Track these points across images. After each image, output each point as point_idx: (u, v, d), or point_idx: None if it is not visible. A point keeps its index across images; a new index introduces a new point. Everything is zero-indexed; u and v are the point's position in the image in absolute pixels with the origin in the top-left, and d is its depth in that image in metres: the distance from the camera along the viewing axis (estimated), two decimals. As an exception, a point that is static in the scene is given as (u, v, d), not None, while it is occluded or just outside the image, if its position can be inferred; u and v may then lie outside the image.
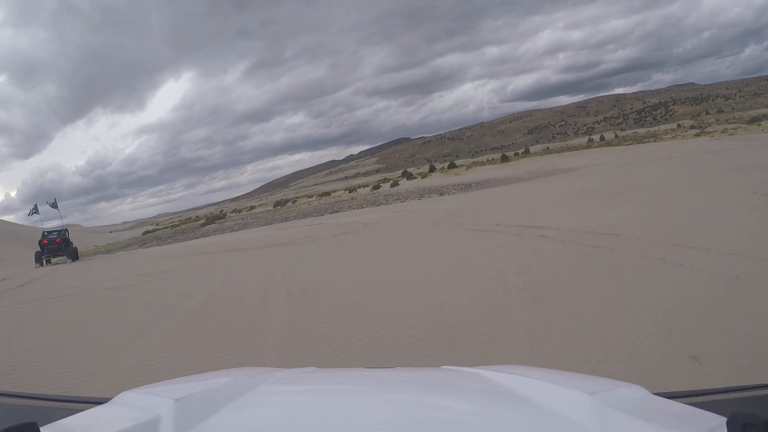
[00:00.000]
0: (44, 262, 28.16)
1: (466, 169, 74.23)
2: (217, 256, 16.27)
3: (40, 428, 0.85)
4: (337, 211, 39.12)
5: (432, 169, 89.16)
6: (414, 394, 1.31)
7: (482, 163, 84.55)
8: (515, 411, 1.06)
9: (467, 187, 44.80)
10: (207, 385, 1.28)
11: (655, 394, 1.11)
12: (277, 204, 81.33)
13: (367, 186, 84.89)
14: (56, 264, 26.94)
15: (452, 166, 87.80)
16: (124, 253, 32.12)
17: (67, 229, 31.08)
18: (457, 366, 1.59)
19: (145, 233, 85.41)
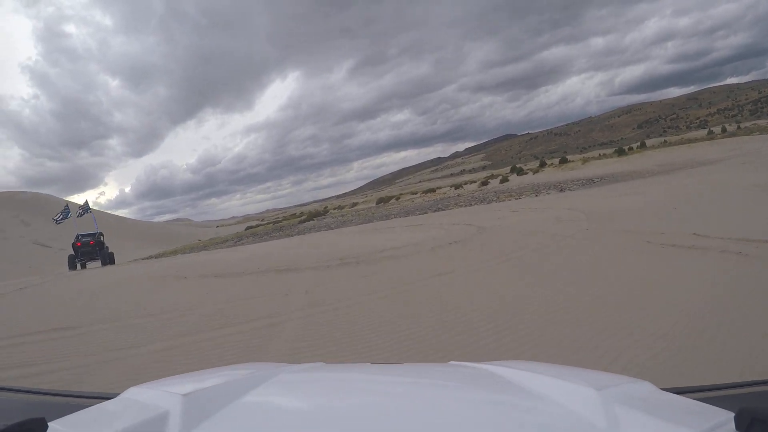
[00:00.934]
0: (78, 266, 27.17)
1: (582, 164, 68.24)
2: (253, 283, 10.42)
3: (49, 423, 0.86)
4: (442, 209, 35.11)
5: (543, 164, 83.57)
6: (422, 389, 1.32)
7: (596, 158, 77.21)
8: (523, 406, 1.06)
9: (589, 182, 39.32)
10: (215, 381, 1.26)
11: (662, 389, 1.12)
12: (380, 201, 78.90)
13: (474, 182, 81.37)
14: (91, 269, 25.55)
15: (564, 161, 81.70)
16: (184, 256, 29.96)
17: (101, 233, 29.96)
18: (465, 361, 1.60)
19: (247, 229, 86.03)
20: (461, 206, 34.86)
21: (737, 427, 0.79)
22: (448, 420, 0.97)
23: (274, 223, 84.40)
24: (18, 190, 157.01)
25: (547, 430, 0.92)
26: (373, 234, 19.73)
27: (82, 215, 34.24)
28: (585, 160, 72.95)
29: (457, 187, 76.26)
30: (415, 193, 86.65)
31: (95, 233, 28.81)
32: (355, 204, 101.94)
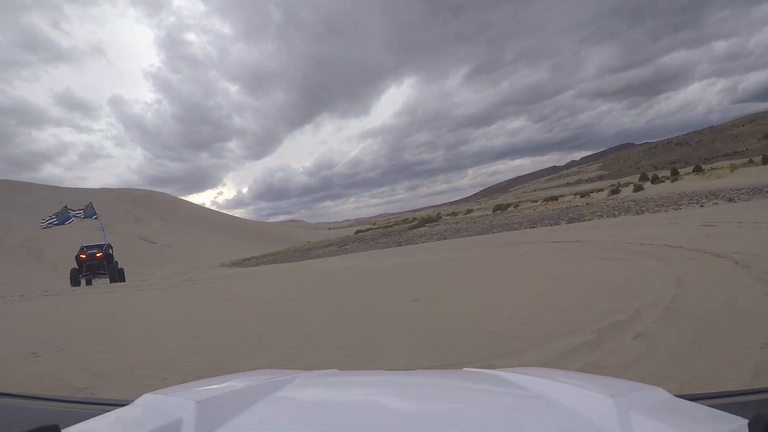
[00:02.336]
0: (83, 282, 23.51)
1: (730, 171, 61.04)
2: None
3: (62, 430, 0.88)
4: (576, 220, 29.04)
5: (675, 172, 79.89)
6: (437, 396, 1.30)
7: (745, 165, 67.99)
8: (538, 413, 1.06)
9: (757, 191, 31.96)
10: (229, 388, 1.27)
11: (676, 396, 1.12)
12: (497, 208, 73.45)
13: (600, 190, 76.47)
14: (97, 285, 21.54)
15: (698, 169, 78.38)
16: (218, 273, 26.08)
17: (111, 245, 26.47)
18: (479, 369, 1.61)
19: (356, 232, 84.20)
20: (602, 217, 28.63)
21: None
22: (463, 427, 0.97)
23: (385, 227, 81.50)
24: (134, 187, 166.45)
25: None
26: (514, 248, 14.13)
27: (83, 217, 28.89)
28: (733, 168, 65.45)
29: (583, 195, 72.00)
30: (536, 201, 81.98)
31: (103, 245, 25.60)
32: (469, 211, 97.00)
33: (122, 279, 24.90)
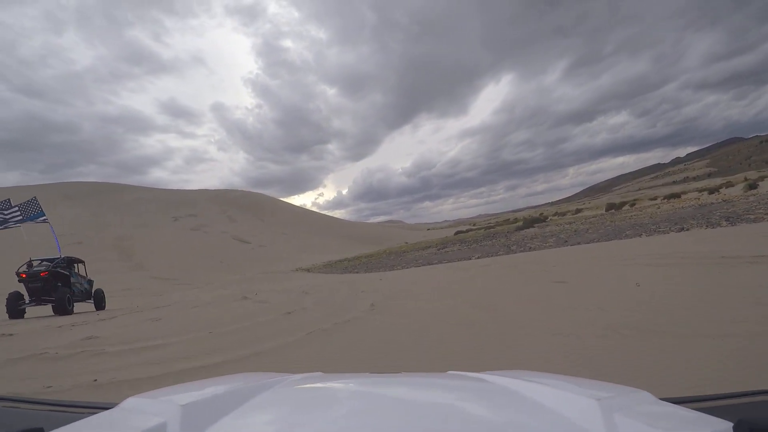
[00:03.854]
0: (22, 311, 15.99)
1: None
2: None
3: None
4: (732, 220, 22.56)
5: None
6: (421, 399, 1.29)
7: None
8: (522, 416, 1.05)
9: None
10: (213, 391, 1.26)
11: (661, 399, 1.12)
12: (610, 207, 65.96)
13: (730, 185, 72.05)
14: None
15: None
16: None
17: (68, 260, 18.59)
18: (464, 371, 1.61)
19: (456, 233, 79.75)
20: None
21: None
22: (448, 430, 0.96)
23: (486, 228, 75.99)
24: (232, 188, 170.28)
25: None
26: None
27: (20, 220, 18.66)
28: None
29: (711, 191, 65.79)
30: (654, 198, 74.53)
31: (55, 259, 17.98)
32: (578, 210, 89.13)
33: (99, 306, 18.74)
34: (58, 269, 17.27)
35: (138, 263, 64.07)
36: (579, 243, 23.94)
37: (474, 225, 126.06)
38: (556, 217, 69.53)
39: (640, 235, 22.55)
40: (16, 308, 15.82)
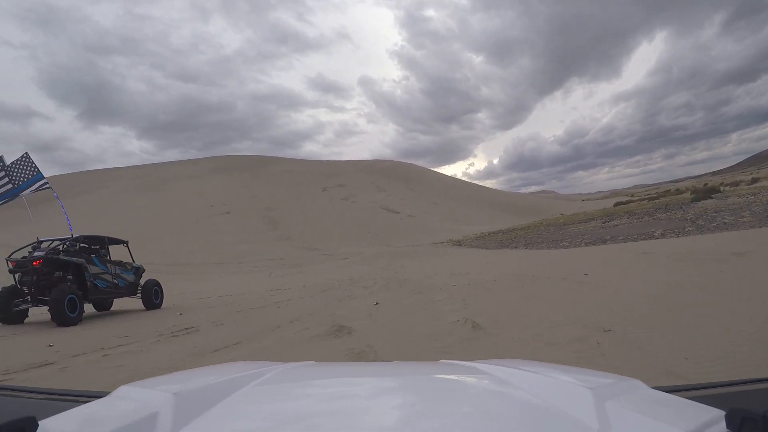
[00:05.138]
0: (21, 314, 11.76)
1: None
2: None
3: (39, 422, 0.87)
4: None
5: None
6: (413, 387, 1.31)
7: None
8: (514, 405, 1.06)
9: None
10: (206, 379, 1.28)
11: (653, 387, 1.13)
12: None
13: None
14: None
15: None
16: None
17: (80, 239, 13.13)
18: (456, 360, 1.60)
19: (616, 205, 72.34)
20: None
21: (728, 425, 0.80)
22: (437, 418, 0.98)
23: (650, 199, 68.33)
24: (380, 159, 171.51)
25: (538, 429, 0.92)
26: None
27: (14, 190, 13.25)
28: None
29: None
30: None
31: (65, 240, 12.69)
32: (755, 180, 76.23)
33: (150, 302, 14.20)
34: (61, 256, 12.11)
35: (284, 233, 65.86)
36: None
37: (632, 196, 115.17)
38: (728, 188, 59.63)
39: None
40: (9, 309, 11.43)
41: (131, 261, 14.77)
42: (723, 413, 0.83)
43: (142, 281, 14.68)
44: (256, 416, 1.04)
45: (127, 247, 14.96)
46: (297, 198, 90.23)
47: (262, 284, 21.51)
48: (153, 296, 14.27)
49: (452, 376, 1.39)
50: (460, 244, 40.37)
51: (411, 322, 8.01)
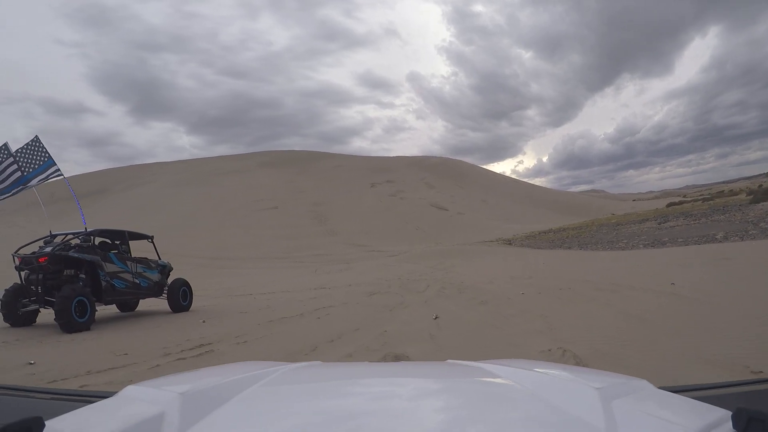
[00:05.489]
0: (30, 315, 10.61)
1: None
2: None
3: (46, 422, 0.87)
4: None
5: None
6: (419, 387, 1.31)
7: None
8: (520, 405, 1.07)
9: None
10: (212, 380, 1.28)
11: (659, 388, 1.13)
12: None
13: None
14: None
15: None
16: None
17: (110, 233, 12.60)
18: (462, 360, 1.59)
19: (668, 205, 70.84)
20: None
21: (734, 426, 0.80)
22: (444, 419, 0.99)
23: (705, 200, 64.24)
24: (429, 155, 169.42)
25: (544, 429, 0.93)
26: None
27: (23, 178, 11.76)
28: None
29: None
30: None
31: (78, 234, 11.51)
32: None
33: (177, 304, 12.64)
34: (71, 252, 10.75)
35: (331, 228, 65.40)
36: None
37: (685, 196, 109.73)
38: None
39: None
40: (15, 310, 10.29)
41: (157, 258, 13.35)
42: (730, 413, 0.83)
43: (169, 280, 13.18)
44: (263, 417, 1.03)
45: (153, 242, 13.54)
46: (345, 193, 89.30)
47: (306, 281, 21.11)
48: (181, 298, 12.72)
49: (459, 377, 1.38)
50: (510, 244, 38.91)
51: (484, 348, 6.36)
